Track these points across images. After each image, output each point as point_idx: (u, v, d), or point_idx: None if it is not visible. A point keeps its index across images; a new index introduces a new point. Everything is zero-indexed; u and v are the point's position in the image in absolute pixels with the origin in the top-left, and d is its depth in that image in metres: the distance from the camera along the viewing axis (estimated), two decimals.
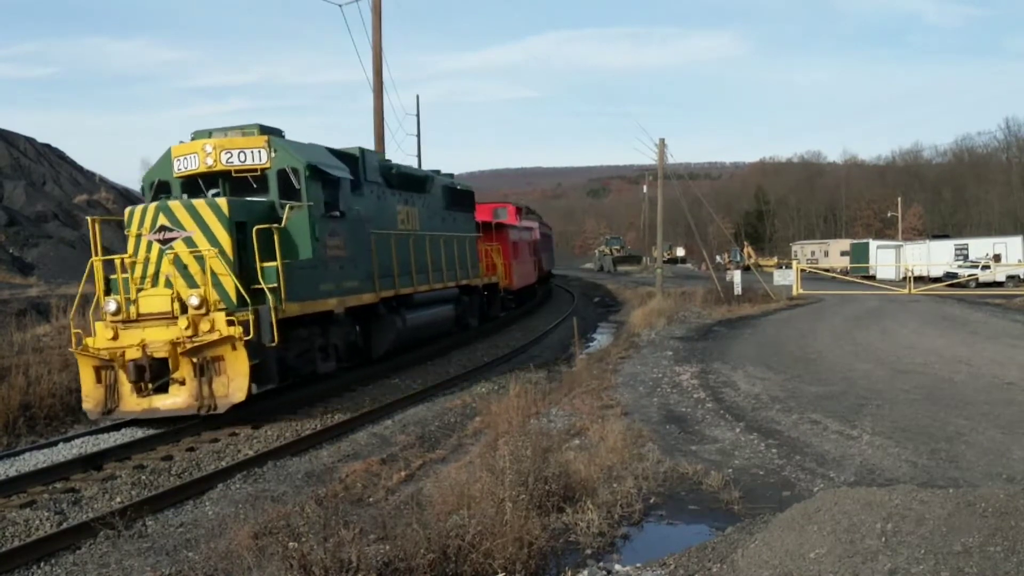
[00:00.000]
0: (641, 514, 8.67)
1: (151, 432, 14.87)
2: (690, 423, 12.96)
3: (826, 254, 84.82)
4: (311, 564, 4.89)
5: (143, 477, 12.09)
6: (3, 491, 11.22)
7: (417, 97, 46.94)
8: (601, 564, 6.84)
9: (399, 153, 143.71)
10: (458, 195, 27.65)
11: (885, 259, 64.24)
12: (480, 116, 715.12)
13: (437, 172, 27.00)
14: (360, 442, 14.48)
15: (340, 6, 33.71)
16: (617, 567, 6.66)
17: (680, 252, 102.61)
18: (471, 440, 13.86)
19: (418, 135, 49.27)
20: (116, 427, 16.15)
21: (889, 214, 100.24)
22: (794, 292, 39.92)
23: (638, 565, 6.76)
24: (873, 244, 72.98)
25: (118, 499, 10.61)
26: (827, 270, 67.95)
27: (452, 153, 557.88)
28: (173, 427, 15.14)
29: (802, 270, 45.78)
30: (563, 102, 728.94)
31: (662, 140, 41.08)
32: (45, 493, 11.29)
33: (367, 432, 15.21)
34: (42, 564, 9.02)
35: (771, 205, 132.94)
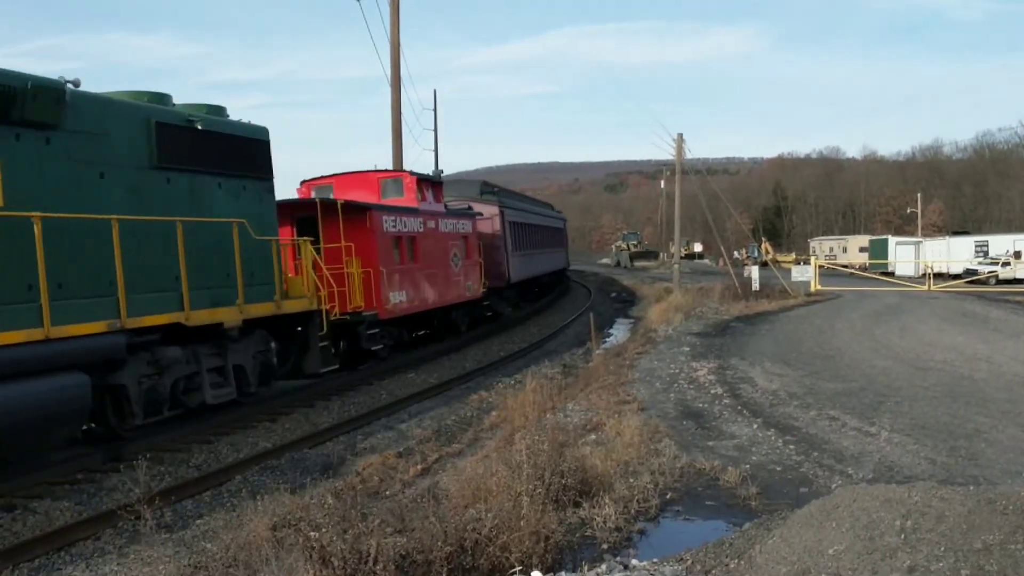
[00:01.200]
0: (658, 509, 8.66)
1: (170, 424, 14.96)
2: (707, 419, 12.92)
3: (844, 250, 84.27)
4: (330, 555, 4.91)
5: (162, 468, 12.17)
6: (23, 484, 11.31)
7: (435, 92, 46.90)
8: (618, 559, 6.83)
9: (416, 148, 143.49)
10: (203, 141, 14.11)
11: (904, 256, 63.76)
12: (497, 111, 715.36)
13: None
14: (376, 436, 14.53)
15: (358, 0, 33.80)
16: (634, 562, 6.65)
17: (698, 248, 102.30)
18: (487, 434, 13.87)
19: (435, 130, 49.28)
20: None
21: (908, 210, 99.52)
22: (812, 288, 39.70)
23: (655, 560, 6.75)
24: (892, 240, 72.42)
25: (137, 490, 10.65)
26: (845, 266, 67.53)
27: (469, 148, 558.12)
28: (192, 419, 15.22)
29: (820, 266, 45.52)
30: (581, 97, 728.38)
31: (680, 135, 40.90)
32: (66, 483, 11.39)
33: (383, 426, 15.26)
34: (62, 553, 9.10)
35: (789, 201, 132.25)
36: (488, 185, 35.74)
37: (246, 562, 6.22)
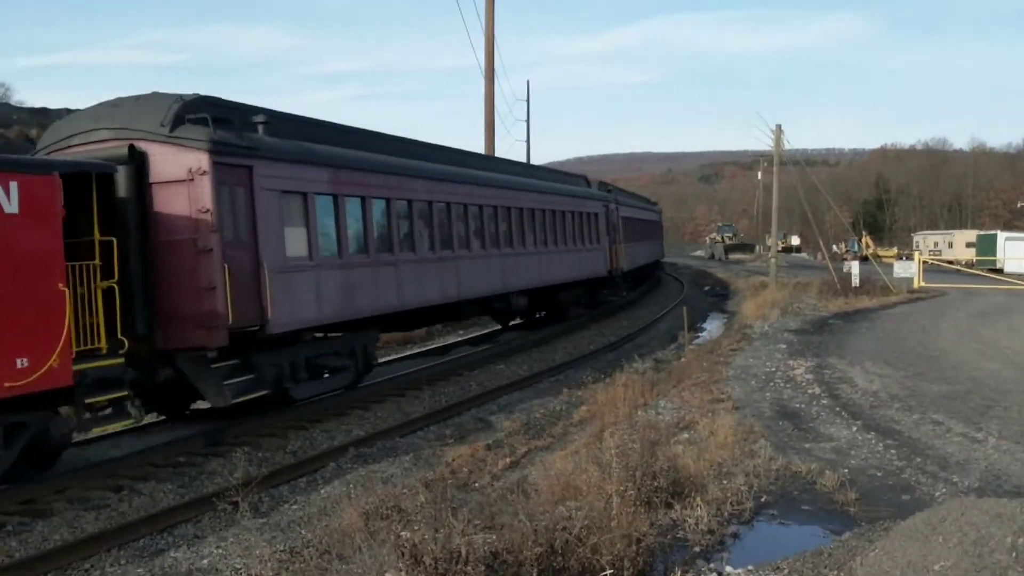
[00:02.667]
0: (752, 513, 8.48)
1: (267, 411, 15.34)
2: (804, 420, 12.61)
3: (950, 245, 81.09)
4: (422, 554, 4.94)
5: (259, 454, 12.48)
6: (131, 464, 11.75)
7: (527, 82, 46.97)
8: (711, 565, 6.70)
9: (508, 139, 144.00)
10: None
11: (1014, 252, 60.98)
12: (589, 101, 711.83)
13: None
14: (466, 426, 14.63)
15: None
16: (728, 568, 6.52)
17: (795, 241, 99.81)
18: (576, 429, 13.82)
19: (527, 121, 49.34)
20: (235, 406, 16.73)
21: (1019, 204, 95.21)
22: (915, 285, 38.35)
23: (750, 568, 6.59)
24: (1001, 236, 69.37)
25: (236, 475, 10.97)
26: (951, 262, 65.07)
27: (560, 138, 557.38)
28: (290, 407, 15.57)
29: (924, 262, 43.93)
30: (675, 86, 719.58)
31: (778, 126, 39.98)
32: (168, 466, 11.78)
33: (472, 416, 15.36)
34: (164, 535, 9.42)
35: (892, 194, 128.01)
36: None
37: (340, 553, 6.30)
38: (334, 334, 16.14)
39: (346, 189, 15.47)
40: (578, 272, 28.29)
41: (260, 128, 13.63)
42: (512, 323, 27.83)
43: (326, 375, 15.60)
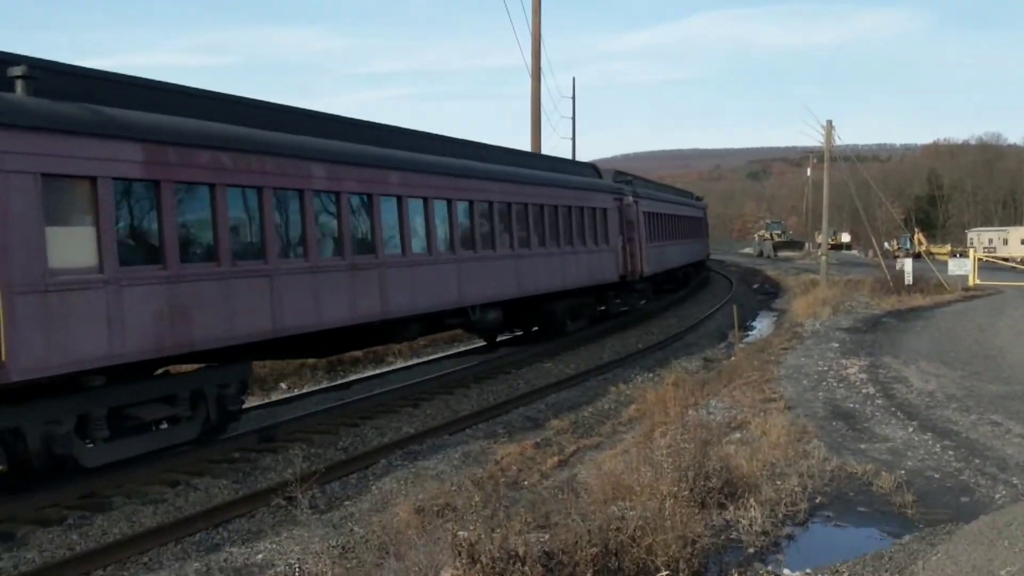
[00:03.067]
0: (806, 514, 8.36)
1: (318, 407, 15.52)
2: (858, 420, 12.41)
3: (1005, 242, 79.33)
4: (479, 553, 4.95)
5: (311, 450, 12.62)
6: (187, 460, 11.94)
7: (573, 80, 46.65)
8: (768, 567, 6.62)
9: (554, 136, 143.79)
10: None
11: None
12: (636, 98, 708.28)
13: None
14: (514, 425, 14.64)
15: None
16: (786, 571, 6.43)
17: (845, 238, 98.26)
18: (625, 428, 13.76)
19: (573, 118, 49.06)
20: (287, 400, 16.97)
21: None
22: (970, 283, 37.52)
23: (808, 571, 6.50)
24: None
25: (289, 471, 11.09)
26: (1006, 259, 63.65)
27: (606, 135, 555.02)
28: (337, 403, 15.75)
29: (979, 259, 42.98)
30: (722, 82, 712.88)
31: (829, 122, 39.29)
32: (224, 461, 11.95)
33: (521, 415, 15.37)
34: (220, 529, 9.56)
35: (944, 189, 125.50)
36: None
37: (396, 551, 6.34)
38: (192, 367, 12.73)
39: (178, 173, 11.26)
40: (577, 278, 23.47)
41: (20, 85, 9.80)
42: (501, 338, 23.88)
43: (162, 426, 11.83)
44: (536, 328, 23.71)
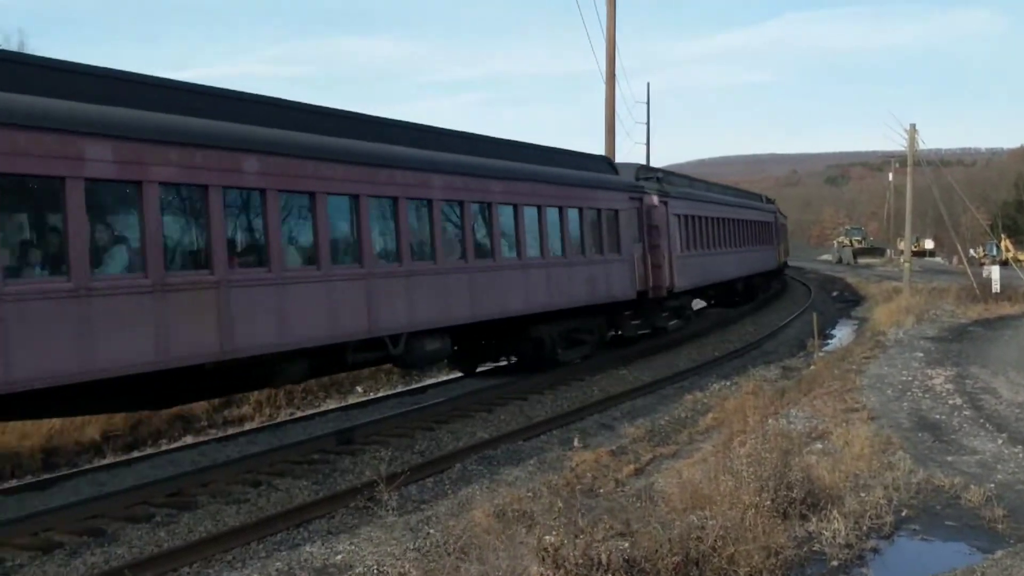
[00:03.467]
0: (892, 527, 8.16)
1: (394, 411, 15.71)
2: (945, 431, 12.06)
3: None
4: (563, 559, 4.95)
5: (388, 453, 12.75)
6: (268, 460, 12.20)
7: (648, 85, 46.25)
8: None
9: (628, 142, 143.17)
10: None
11: None
12: (710, 102, 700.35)
13: None
14: (589, 431, 14.59)
15: None
16: None
17: (929, 244, 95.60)
18: (702, 437, 13.59)
19: (647, 123, 48.74)
20: (364, 404, 17.22)
21: None
22: None
23: None
24: None
25: (367, 473, 11.26)
26: None
27: (680, 140, 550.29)
28: (413, 407, 15.92)
29: None
30: (801, 85, 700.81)
31: (912, 126, 38.23)
32: (304, 462, 12.18)
33: (596, 422, 15.30)
34: (300, 529, 9.74)
35: None
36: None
37: (478, 556, 6.37)
38: None
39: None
40: (570, 296, 18.94)
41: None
42: (482, 368, 20.27)
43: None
44: (516, 359, 19.68)
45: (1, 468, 13.01)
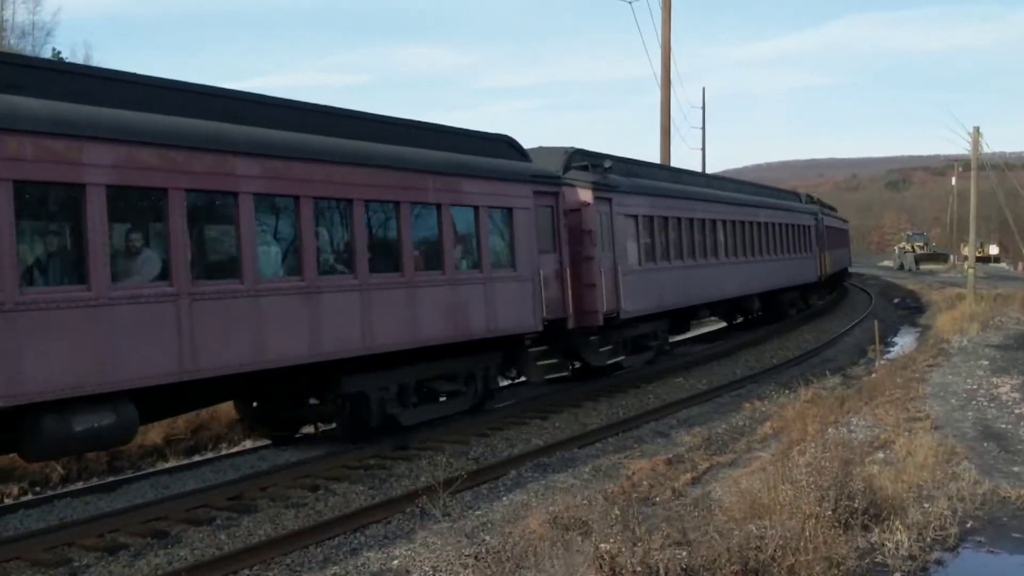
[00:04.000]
0: (957, 539, 7.97)
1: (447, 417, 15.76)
2: (1012, 442, 11.74)
3: None
4: (620, 567, 4.93)
5: (443, 459, 12.81)
6: (325, 465, 12.34)
7: (703, 90, 46.06)
8: None
9: (683, 146, 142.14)
10: None
11: None
12: (768, 107, 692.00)
13: None
14: (644, 440, 14.51)
15: (630, 3, 33.88)
16: None
17: (993, 250, 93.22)
18: (760, 446, 13.43)
19: (703, 128, 48.36)
20: None
21: None
22: None
23: None
24: None
25: (423, 478, 11.33)
26: None
27: (737, 146, 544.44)
28: (468, 413, 15.96)
29: None
30: (860, 89, 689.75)
31: (976, 128, 37.41)
32: (360, 467, 12.30)
33: (651, 430, 15.21)
34: (357, 534, 9.83)
35: None
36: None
37: (530, 562, 6.38)
38: None
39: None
40: (412, 333, 13.31)
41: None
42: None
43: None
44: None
45: (69, 471, 13.35)
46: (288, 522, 10.15)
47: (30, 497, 11.93)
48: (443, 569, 8.41)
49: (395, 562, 8.96)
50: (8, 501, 11.92)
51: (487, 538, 9.49)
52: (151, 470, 13.27)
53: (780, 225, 31.94)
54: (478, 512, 10.64)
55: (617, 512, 6.30)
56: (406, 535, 9.76)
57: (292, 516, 10.34)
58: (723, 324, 31.49)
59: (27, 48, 50.86)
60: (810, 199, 41.79)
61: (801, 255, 34.64)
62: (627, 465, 12.43)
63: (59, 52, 50.48)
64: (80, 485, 12.63)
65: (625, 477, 11.83)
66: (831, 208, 52.12)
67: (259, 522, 10.11)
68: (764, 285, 29.49)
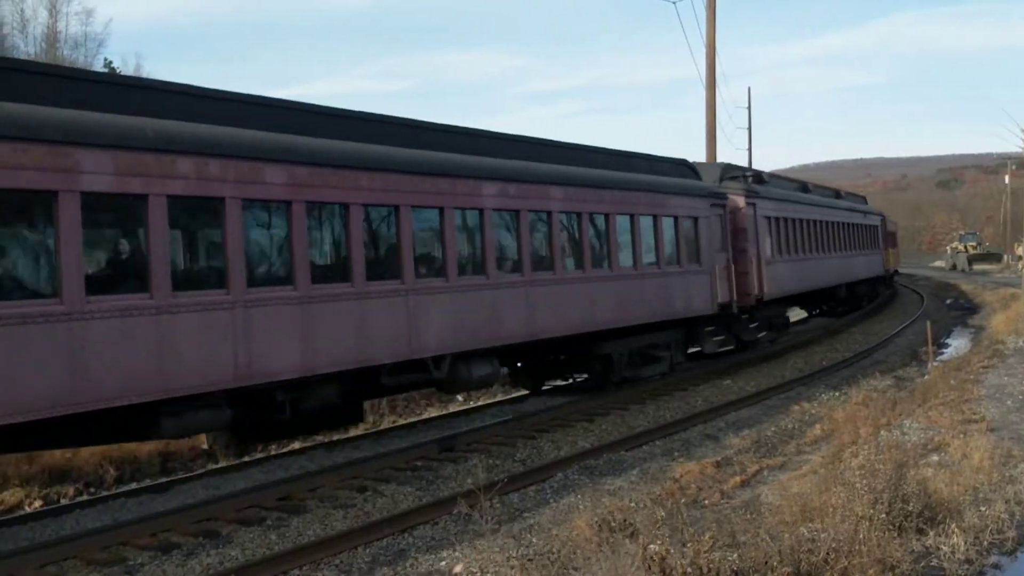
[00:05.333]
0: (1015, 543, 7.79)
1: (495, 419, 15.80)
2: None
3: None
4: (670, 568, 4.89)
5: (490, 461, 12.84)
6: (373, 467, 12.43)
7: (748, 89, 45.61)
8: None
9: (729, 147, 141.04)
10: None
11: None
12: (816, 106, 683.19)
13: None
14: (692, 442, 14.38)
15: (674, 3, 33.68)
16: None
17: None
18: (810, 448, 13.23)
19: (749, 128, 48.04)
20: (465, 412, 17.37)
21: None
22: None
23: None
24: None
25: (469, 480, 11.34)
26: None
27: (784, 146, 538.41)
28: (513, 416, 15.99)
29: None
30: (907, 87, 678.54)
31: None
32: (407, 469, 12.36)
33: (699, 433, 15.07)
34: (404, 535, 9.87)
35: None
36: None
37: (577, 565, 6.35)
38: None
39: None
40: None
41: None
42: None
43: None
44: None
45: (123, 472, 13.58)
46: (337, 523, 10.22)
47: (85, 498, 12.15)
48: (490, 571, 8.38)
49: (443, 563, 8.98)
50: (64, 501, 12.15)
51: (534, 540, 9.47)
52: (202, 471, 13.45)
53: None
54: (525, 514, 10.63)
55: (663, 514, 6.24)
56: (453, 536, 9.77)
57: (341, 517, 10.42)
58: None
59: (80, 59, 52.05)
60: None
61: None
62: (675, 468, 12.33)
63: (111, 63, 51.57)
64: (133, 486, 12.85)
65: (673, 480, 11.73)
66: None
67: (308, 522, 10.20)
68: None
